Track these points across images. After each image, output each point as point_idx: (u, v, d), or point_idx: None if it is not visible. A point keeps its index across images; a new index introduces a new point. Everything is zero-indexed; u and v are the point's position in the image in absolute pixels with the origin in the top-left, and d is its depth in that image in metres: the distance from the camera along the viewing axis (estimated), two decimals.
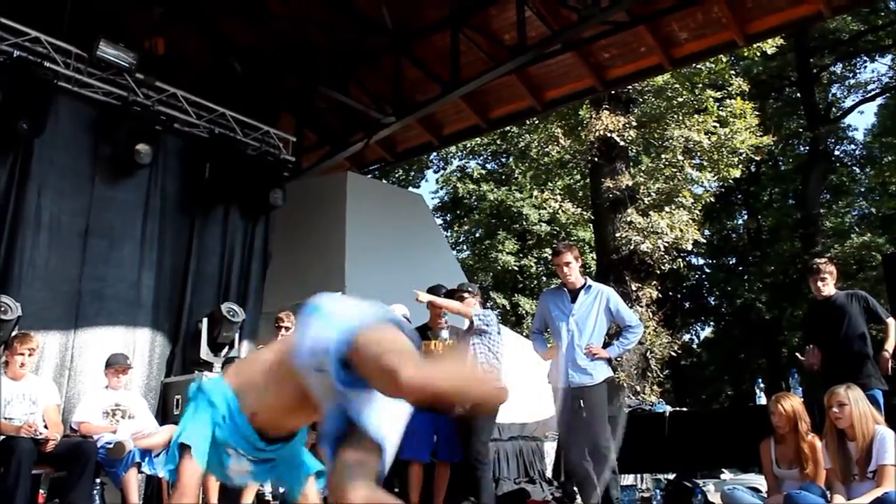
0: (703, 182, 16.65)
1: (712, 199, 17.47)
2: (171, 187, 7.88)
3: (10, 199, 6.69)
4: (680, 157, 15.90)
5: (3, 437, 4.88)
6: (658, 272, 15.53)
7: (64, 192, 7.05)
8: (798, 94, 23.95)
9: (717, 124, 15.93)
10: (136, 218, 7.54)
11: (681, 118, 15.95)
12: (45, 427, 5.08)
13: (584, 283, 5.71)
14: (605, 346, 5.66)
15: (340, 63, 9.13)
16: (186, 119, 7.98)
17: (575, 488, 5.99)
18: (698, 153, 16.31)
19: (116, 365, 5.76)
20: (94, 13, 7.47)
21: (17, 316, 5.84)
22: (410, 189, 21.09)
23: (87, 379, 6.69)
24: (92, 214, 7.22)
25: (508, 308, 21.39)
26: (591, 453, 5.36)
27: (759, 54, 17.33)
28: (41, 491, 5.34)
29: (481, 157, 22.93)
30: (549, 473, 7.75)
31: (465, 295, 6.04)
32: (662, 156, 16.18)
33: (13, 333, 5.68)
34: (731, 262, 25.18)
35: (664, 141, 16.12)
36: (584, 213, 18.18)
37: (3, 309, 5.78)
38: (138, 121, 7.33)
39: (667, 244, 15.30)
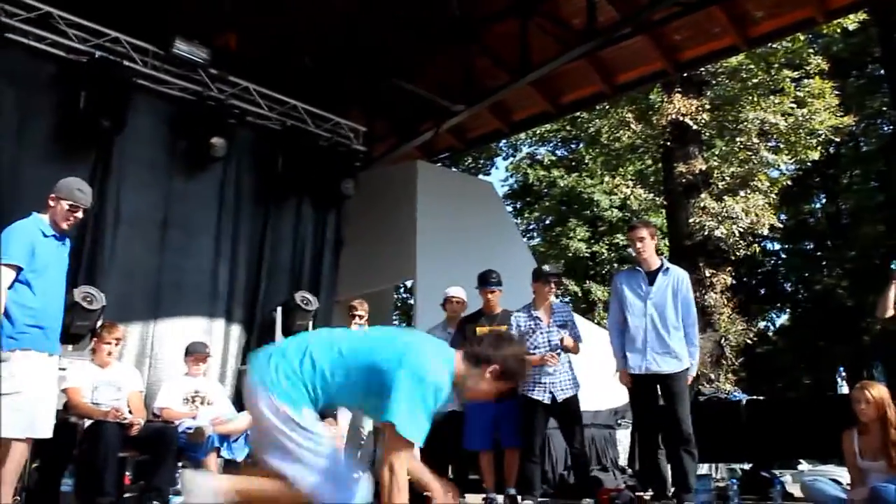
0: (779, 165, 16.23)
1: (789, 183, 16.98)
2: (244, 179, 8.06)
3: (93, 194, 6.94)
4: (755, 140, 15.51)
5: (91, 421, 5.10)
6: (733, 258, 15.20)
7: (143, 187, 7.28)
8: (881, 71, 22.97)
9: (795, 105, 15.46)
10: (212, 210, 7.74)
11: (756, 100, 15.53)
12: (130, 412, 5.28)
13: (662, 265, 5.48)
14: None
15: (409, 52, 9.16)
16: (259, 112, 8.13)
17: (649, 477, 5.93)
18: (774, 135, 15.88)
19: (196, 353, 5.93)
20: (170, 11, 7.66)
21: (101, 306, 6.08)
22: (480, 177, 21.05)
23: (166, 366, 6.93)
24: (169, 207, 7.44)
25: (580, 295, 21.22)
26: (673, 441, 5.25)
27: (839, 31, 16.74)
28: (127, 473, 5.56)
29: (551, 144, 22.74)
30: (622, 461, 7.69)
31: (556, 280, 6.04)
32: (737, 139, 15.79)
33: (99, 323, 5.92)
34: (808, 247, 24.42)
35: (739, 123, 15.72)
36: (657, 198, 17.90)
37: (88, 299, 6.01)
38: (212, 115, 7.52)
39: (742, 229, 14.95)
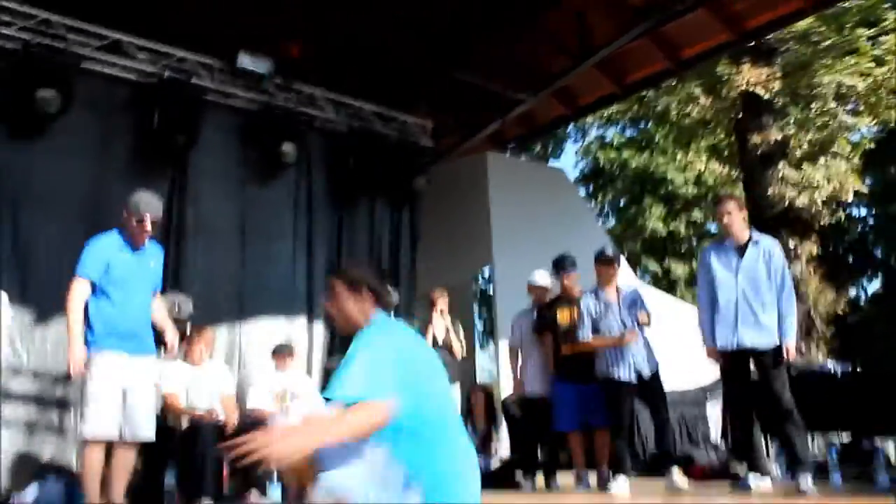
0: (860, 128, 15.62)
1: (872, 146, 16.33)
2: (316, 182, 8.23)
3: (172, 208, 7.23)
4: (832, 104, 14.97)
5: (188, 422, 5.31)
6: (817, 227, 14.73)
7: (219, 197, 7.53)
8: None
9: (873, 64, 14.85)
10: (287, 215, 7.94)
11: (830, 62, 14.98)
12: (224, 412, 5.47)
13: (751, 237, 5.30)
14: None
15: (471, 44, 9.19)
16: (326, 116, 8.29)
17: (743, 451, 5.81)
18: (853, 98, 15.29)
19: (282, 352, 6.11)
20: (232, 25, 7.88)
21: (189, 314, 6.31)
22: (550, 162, 20.92)
23: (254, 366, 7.12)
24: (246, 215, 7.66)
25: (660, 274, 20.88)
26: (775, 419, 5.12)
27: None
28: (225, 468, 5.74)
29: (619, 125, 22.42)
30: (713, 438, 7.56)
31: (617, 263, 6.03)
32: (812, 105, 15.27)
33: (188, 328, 6.15)
34: None
35: (813, 89, 15.20)
36: (732, 171, 17.47)
37: (177, 308, 6.24)
38: (281, 122, 7.71)
39: (825, 197, 14.48)
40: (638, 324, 5.78)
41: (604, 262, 6.01)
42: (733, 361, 5.22)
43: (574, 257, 6.34)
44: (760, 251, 5.22)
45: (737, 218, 5.28)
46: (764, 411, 5.44)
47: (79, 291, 4.23)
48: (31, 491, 4.24)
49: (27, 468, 5.45)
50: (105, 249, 4.32)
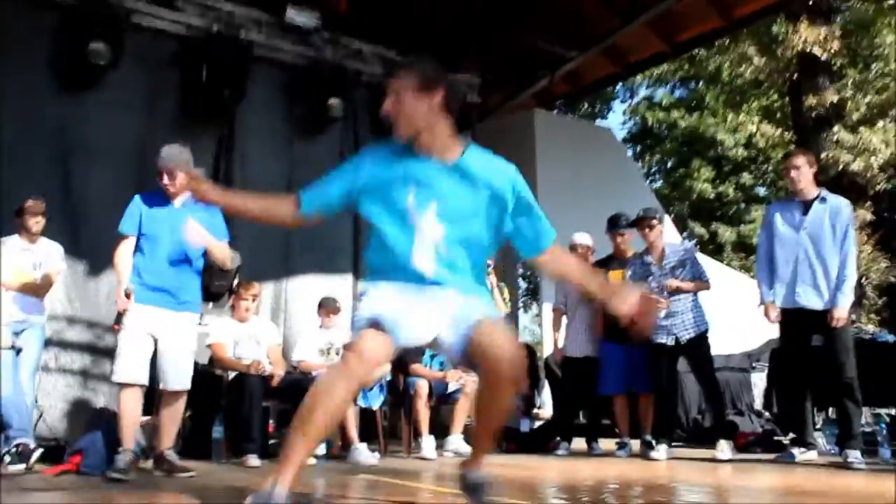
0: None
1: None
2: (363, 138, 8.19)
3: (220, 163, 7.28)
4: (894, 65, 14.44)
5: (235, 373, 5.38)
6: (871, 192, 14.33)
7: (266, 152, 7.54)
8: None
9: None
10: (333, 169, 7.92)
11: (894, 22, 14.43)
12: (270, 364, 5.54)
13: (819, 194, 5.17)
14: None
15: (520, 1, 9.02)
16: (372, 71, 8.22)
17: (790, 421, 5.73)
18: None
19: (328, 306, 6.13)
20: None
21: (237, 266, 6.36)
22: (598, 122, 20.63)
23: (300, 321, 7.19)
24: (292, 171, 7.66)
25: (707, 237, 20.58)
26: (834, 389, 5.02)
27: None
28: (270, 421, 5.85)
29: (669, 85, 21.97)
30: (757, 405, 7.47)
31: (656, 222, 5.90)
32: (872, 66, 14.76)
33: (236, 281, 6.21)
34: None
35: (874, 49, 14.68)
36: (785, 134, 17.03)
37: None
38: (328, 77, 7.66)
39: (881, 161, 14.05)
40: (672, 290, 5.68)
41: (636, 224, 5.98)
42: (790, 320, 5.13)
43: (629, 216, 6.25)
44: (827, 209, 5.08)
45: (806, 173, 5.15)
46: (820, 381, 5.29)
47: (122, 245, 4.35)
48: (88, 438, 4.35)
49: (82, 415, 5.62)
50: (139, 204, 4.39)
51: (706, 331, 5.73)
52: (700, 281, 5.78)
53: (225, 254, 4.44)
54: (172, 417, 4.36)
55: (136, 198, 4.45)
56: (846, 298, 4.98)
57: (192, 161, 4.44)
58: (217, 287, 6.30)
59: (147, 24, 6.91)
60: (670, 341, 5.64)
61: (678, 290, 5.68)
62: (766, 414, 7.13)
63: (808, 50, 14.09)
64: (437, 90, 2.51)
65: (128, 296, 4.21)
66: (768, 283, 5.21)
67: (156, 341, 4.25)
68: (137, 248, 4.36)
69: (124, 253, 4.34)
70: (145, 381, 4.22)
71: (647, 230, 5.89)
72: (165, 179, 4.34)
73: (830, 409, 6.97)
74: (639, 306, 2.54)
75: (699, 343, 5.70)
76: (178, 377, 4.30)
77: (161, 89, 6.99)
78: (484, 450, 2.71)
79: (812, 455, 5.26)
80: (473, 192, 2.54)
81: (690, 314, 5.68)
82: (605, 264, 6.28)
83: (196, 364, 5.76)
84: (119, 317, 4.26)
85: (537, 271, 2.69)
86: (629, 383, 6.04)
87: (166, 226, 4.32)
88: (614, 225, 6.25)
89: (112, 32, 6.40)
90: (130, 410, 4.16)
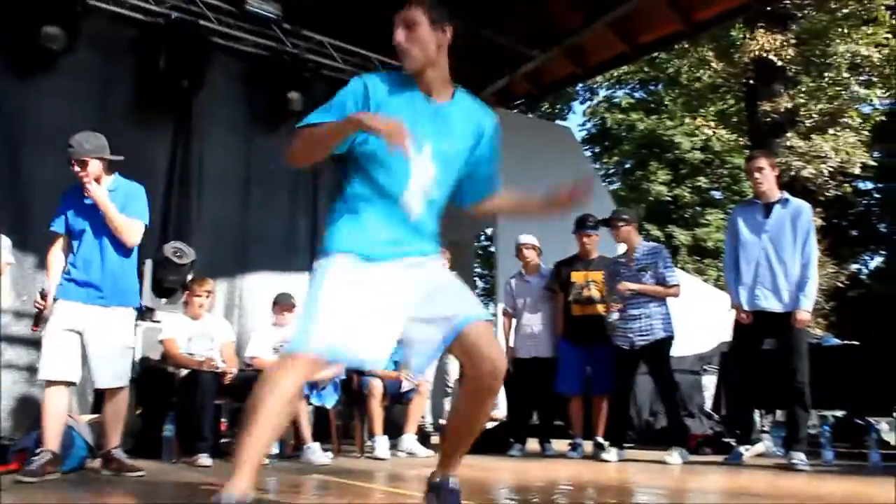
0: (872, 100, 15.42)
1: (883, 118, 16.15)
2: None
3: (177, 154, 7.17)
4: (845, 75, 14.77)
5: (187, 370, 5.30)
6: (822, 198, 14.64)
7: (223, 145, 7.46)
8: None
9: (890, 35, 14.61)
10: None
11: (846, 31, 14.74)
12: (223, 362, 5.47)
13: (782, 197, 5.22)
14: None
15: None
16: (333, 65, 8.16)
17: (736, 423, 5.83)
18: (867, 69, 15.09)
19: (283, 303, 6.06)
20: None
21: (191, 260, 6.27)
22: (557, 122, 20.76)
23: (254, 318, 7.16)
24: (250, 164, 7.60)
25: (663, 239, 20.88)
26: (786, 393, 5.07)
27: None
28: (222, 419, 5.77)
29: (629, 86, 22.19)
30: (707, 407, 7.59)
31: (621, 224, 5.92)
32: (825, 74, 15.07)
33: (190, 277, 6.12)
34: None
35: (827, 58, 14.98)
36: (740, 138, 17.31)
37: (178, 254, 6.20)
38: (288, 70, 7.59)
39: (831, 169, 14.36)
40: (626, 292, 5.71)
41: (605, 224, 6.01)
42: (747, 322, 5.17)
43: (595, 217, 6.28)
44: (789, 211, 5.14)
45: (768, 176, 5.21)
46: (769, 383, 5.39)
47: (54, 244, 4.25)
48: (33, 436, 4.22)
49: (30, 412, 5.49)
50: (67, 200, 4.25)
51: (667, 338, 5.69)
52: (662, 285, 5.73)
53: (122, 224, 4.13)
54: (115, 415, 4.22)
55: (68, 192, 4.28)
56: (808, 301, 5.06)
57: (108, 147, 4.25)
58: (170, 282, 6.25)
59: (104, 8, 6.76)
60: (625, 345, 5.68)
61: (638, 294, 5.69)
62: (716, 416, 7.25)
63: (764, 56, 14.34)
64: (447, 27, 2.53)
65: (43, 297, 4.10)
66: (735, 286, 5.26)
67: (83, 338, 4.08)
68: (70, 245, 4.23)
69: (54, 251, 4.24)
70: (73, 377, 4.05)
71: (613, 230, 5.93)
72: (77, 169, 4.13)
73: (778, 412, 7.14)
74: (572, 189, 2.64)
75: (658, 349, 5.68)
76: (109, 374, 4.12)
77: (117, 76, 6.86)
78: (462, 454, 2.65)
79: (759, 448, 5.36)
80: (463, 135, 2.55)
81: (651, 320, 5.65)
82: (569, 264, 6.29)
83: (147, 360, 5.73)
84: (37, 318, 4.15)
85: (475, 215, 2.66)
86: (586, 385, 6.09)
87: (88, 218, 4.17)
88: (581, 226, 6.25)
89: (67, 16, 6.26)
90: (53, 409, 3.98)
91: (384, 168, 2.45)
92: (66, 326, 4.05)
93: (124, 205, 4.18)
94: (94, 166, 4.13)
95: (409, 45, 2.47)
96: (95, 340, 4.08)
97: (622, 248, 6.10)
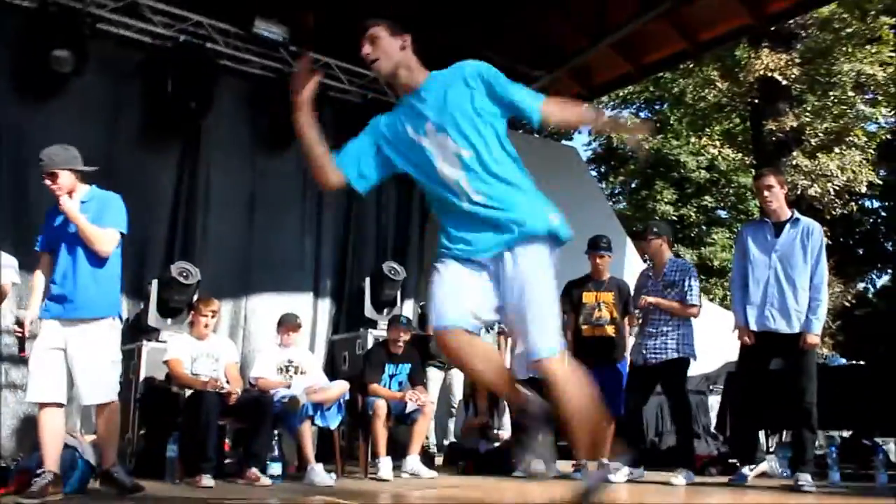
0: (877, 118, 15.46)
1: (888, 137, 16.16)
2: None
3: (183, 175, 7.23)
4: (850, 93, 14.83)
5: (192, 391, 5.31)
6: (828, 217, 14.63)
7: (229, 167, 7.50)
8: None
9: (894, 54, 14.66)
10: (297, 186, 7.91)
11: (851, 50, 14.80)
12: (227, 382, 5.47)
13: (792, 216, 5.16)
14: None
15: (487, 20, 9.09)
16: (339, 86, 8.22)
17: (740, 444, 5.79)
18: (871, 87, 15.14)
19: (288, 324, 6.07)
20: None
21: (197, 281, 6.30)
22: (563, 142, 20.83)
23: (259, 338, 7.18)
24: (256, 185, 7.65)
25: None
26: (793, 415, 5.04)
27: None
28: (226, 440, 5.78)
29: (634, 106, 22.24)
30: (713, 427, 7.55)
31: (651, 237, 5.88)
32: (830, 93, 15.13)
33: (195, 297, 6.15)
34: None
35: (832, 77, 15.03)
36: (746, 158, 17.34)
37: (184, 275, 6.24)
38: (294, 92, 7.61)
39: (837, 187, 14.37)
40: (645, 307, 5.71)
41: (637, 237, 6.02)
42: (754, 343, 5.12)
43: (609, 239, 6.27)
44: (799, 231, 5.09)
45: (778, 195, 5.16)
46: (776, 405, 5.35)
47: (39, 265, 4.28)
48: (36, 456, 4.21)
49: (32, 433, 5.47)
50: (47, 218, 4.27)
51: (683, 359, 5.64)
52: (682, 304, 5.66)
53: (93, 234, 4.07)
54: (107, 432, 4.16)
55: (47, 212, 4.29)
56: (818, 323, 5.02)
57: (80, 159, 4.18)
58: (175, 302, 6.29)
59: (112, 32, 6.84)
60: (639, 361, 5.67)
61: (657, 308, 5.66)
62: (721, 437, 7.21)
63: (769, 75, 14.40)
64: (404, 34, 2.83)
65: (20, 324, 4.11)
66: (742, 306, 5.20)
67: (67, 355, 4.04)
68: (52, 262, 4.20)
69: (37, 272, 4.26)
70: (59, 398, 4.01)
71: (645, 244, 5.93)
72: (48, 182, 4.09)
73: (784, 433, 7.09)
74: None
75: (673, 369, 5.62)
76: (94, 390, 4.06)
77: (125, 99, 6.94)
78: (584, 443, 2.71)
79: (762, 466, 5.31)
80: (448, 96, 2.69)
81: (667, 339, 5.60)
82: (580, 285, 6.25)
83: (152, 380, 5.74)
84: (20, 343, 4.17)
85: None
86: None
87: (62, 232, 4.15)
88: (595, 247, 6.24)
89: (75, 39, 6.32)
90: (49, 430, 3.96)
91: (416, 167, 2.76)
92: (50, 345, 4.01)
93: (99, 215, 4.13)
94: (66, 178, 4.08)
95: (375, 55, 2.78)
96: (78, 356, 4.02)
97: (631, 268, 6.11)
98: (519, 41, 9.21)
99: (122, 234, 4.25)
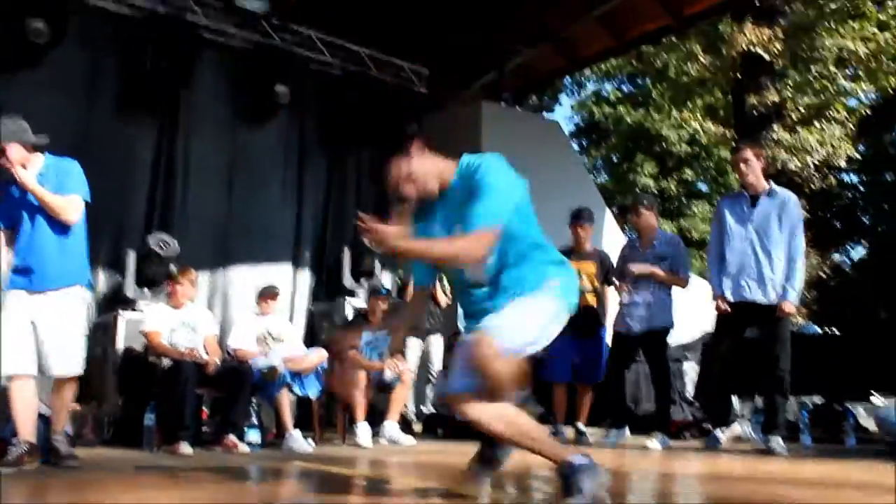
0: (857, 94, 15.52)
1: (868, 112, 16.24)
2: (308, 126, 8.18)
3: (162, 147, 7.21)
4: (832, 69, 14.85)
5: (170, 361, 5.33)
6: (807, 191, 14.72)
7: (209, 138, 7.49)
8: None
9: (876, 30, 14.69)
10: (277, 158, 7.91)
11: (833, 26, 14.81)
12: (206, 352, 5.50)
13: (769, 188, 5.21)
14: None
15: None
16: (321, 59, 8.18)
17: (713, 409, 5.90)
18: (853, 63, 15.16)
19: (266, 293, 6.11)
20: None
21: (175, 252, 6.32)
22: (545, 115, 20.81)
23: (237, 308, 7.21)
24: (236, 157, 7.64)
25: None
26: (766, 382, 5.13)
27: None
28: (204, 409, 5.81)
29: (617, 80, 22.23)
30: (689, 394, 7.66)
31: (643, 209, 5.92)
32: (812, 67, 15.14)
33: (173, 268, 6.16)
34: (889, 179, 23.31)
35: (814, 52, 15.04)
36: (727, 132, 17.39)
37: (163, 246, 6.26)
38: (275, 63, 7.61)
39: (817, 162, 14.45)
40: (635, 276, 5.77)
41: (628, 210, 6.08)
42: (730, 312, 5.19)
43: (591, 210, 6.32)
44: (776, 203, 5.14)
45: (754, 167, 5.19)
46: (750, 371, 5.45)
47: (1, 240, 4.13)
48: (11, 425, 4.18)
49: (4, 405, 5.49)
50: (3, 192, 4.09)
51: (666, 328, 5.81)
52: (673, 274, 5.77)
53: (57, 204, 3.97)
54: (60, 403, 4.07)
55: (1, 185, 4.13)
56: (794, 293, 5.09)
57: (28, 130, 4.04)
58: (153, 273, 6.30)
59: (90, 3, 6.76)
60: (623, 330, 5.78)
61: (647, 277, 5.73)
62: (696, 403, 7.32)
63: (751, 50, 14.39)
64: (412, 143, 2.83)
65: None
66: (719, 276, 5.26)
67: (35, 326, 3.96)
68: (14, 237, 4.07)
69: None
70: (29, 370, 3.93)
71: (634, 216, 5.99)
72: None
73: (757, 398, 7.21)
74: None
75: (656, 338, 5.76)
76: (63, 361, 3.98)
77: (103, 71, 6.90)
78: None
79: (735, 429, 5.41)
80: (467, 199, 2.65)
81: (652, 309, 5.71)
82: (563, 255, 6.29)
83: (130, 350, 5.77)
84: None
85: None
86: (573, 374, 6.14)
87: (20, 204, 4.01)
88: (577, 218, 6.29)
89: (53, 10, 6.26)
90: (20, 401, 3.91)
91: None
92: (17, 317, 3.94)
93: (59, 183, 4.03)
94: (15, 151, 3.95)
95: (409, 181, 2.79)
96: (44, 327, 3.95)
97: (610, 240, 6.18)
98: (503, 14, 9.20)
99: (86, 202, 4.14)
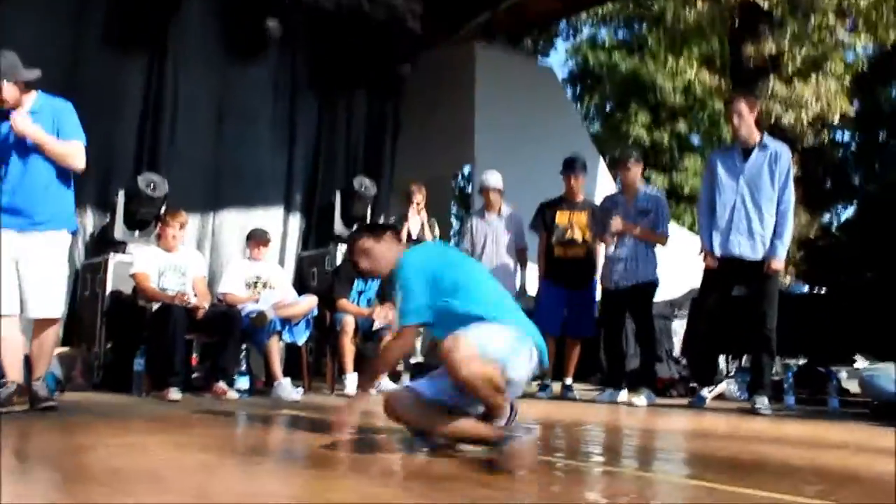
0: (856, 47, 15.35)
1: (865, 68, 16.10)
2: (300, 64, 7.99)
3: (151, 83, 6.99)
4: (832, 19, 14.65)
5: (159, 304, 5.27)
6: (800, 148, 14.67)
7: (198, 74, 7.27)
8: None
9: None
10: (267, 96, 7.73)
11: None
12: (195, 296, 5.44)
13: (761, 140, 5.15)
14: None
15: None
16: None
17: (699, 367, 5.93)
18: (853, 13, 14.95)
19: (257, 238, 6.01)
20: None
21: (164, 193, 6.20)
22: (540, 60, 20.51)
23: (227, 252, 7.13)
24: (225, 95, 7.45)
25: None
26: (753, 338, 5.14)
27: None
28: (194, 354, 5.79)
29: (613, 25, 21.83)
30: (676, 352, 7.72)
31: (631, 163, 5.92)
32: (812, 16, 14.93)
33: (163, 209, 6.05)
34: (881, 138, 23.21)
35: (814, 1, 14.82)
36: (723, 81, 17.21)
37: (152, 186, 6.13)
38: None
39: (811, 117, 14.36)
40: (620, 232, 5.78)
41: (616, 164, 6.02)
42: (718, 268, 5.18)
43: (585, 160, 6.25)
44: (768, 155, 5.09)
45: (747, 119, 5.12)
46: (737, 330, 5.47)
47: None
48: None
49: None
50: None
51: (651, 283, 5.83)
52: (653, 231, 5.81)
53: (63, 151, 3.90)
54: (41, 348, 3.99)
55: None
56: (783, 249, 5.07)
57: (21, 66, 3.87)
58: (143, 214, 6.20)
59: None
60: (610, 286, 5.80)
61: (628, 234, 5.75)
62: (684, 361, 7.37)
63: None
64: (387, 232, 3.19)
65: None
66: (709, 230, 5.24)
67: (18, 266, 3.88)
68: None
69: None
70: (16, 309, 3.87)
71: (623, 170, 5.95)
72: None
73: (743, 358, 7.28)
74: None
75: (641, 293, 5.80)
76: (44, 303, 3.91)
77: (90, 2, 6.64)
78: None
79: (721, 388, 5.47)
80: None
81: (636, 263, 5.75)
82: (554, 205, 6.26)
83: (118, 294, 5.70)
84: None
85: None
86: (563, 327, 6.15)
87: (7, 141, 3.88)
88: (570, 167, 6.23)
89: None
90: (8, 340, 3.86)
91: None
92: (3, 257, 3.85)
93: (57, 126, 3.92)
94: (9, 91, 3.82)
95: (366, 266, 3.14)
96: (27, 268, 3.88)
97: (603, 191, 6.14)
98: None
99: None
